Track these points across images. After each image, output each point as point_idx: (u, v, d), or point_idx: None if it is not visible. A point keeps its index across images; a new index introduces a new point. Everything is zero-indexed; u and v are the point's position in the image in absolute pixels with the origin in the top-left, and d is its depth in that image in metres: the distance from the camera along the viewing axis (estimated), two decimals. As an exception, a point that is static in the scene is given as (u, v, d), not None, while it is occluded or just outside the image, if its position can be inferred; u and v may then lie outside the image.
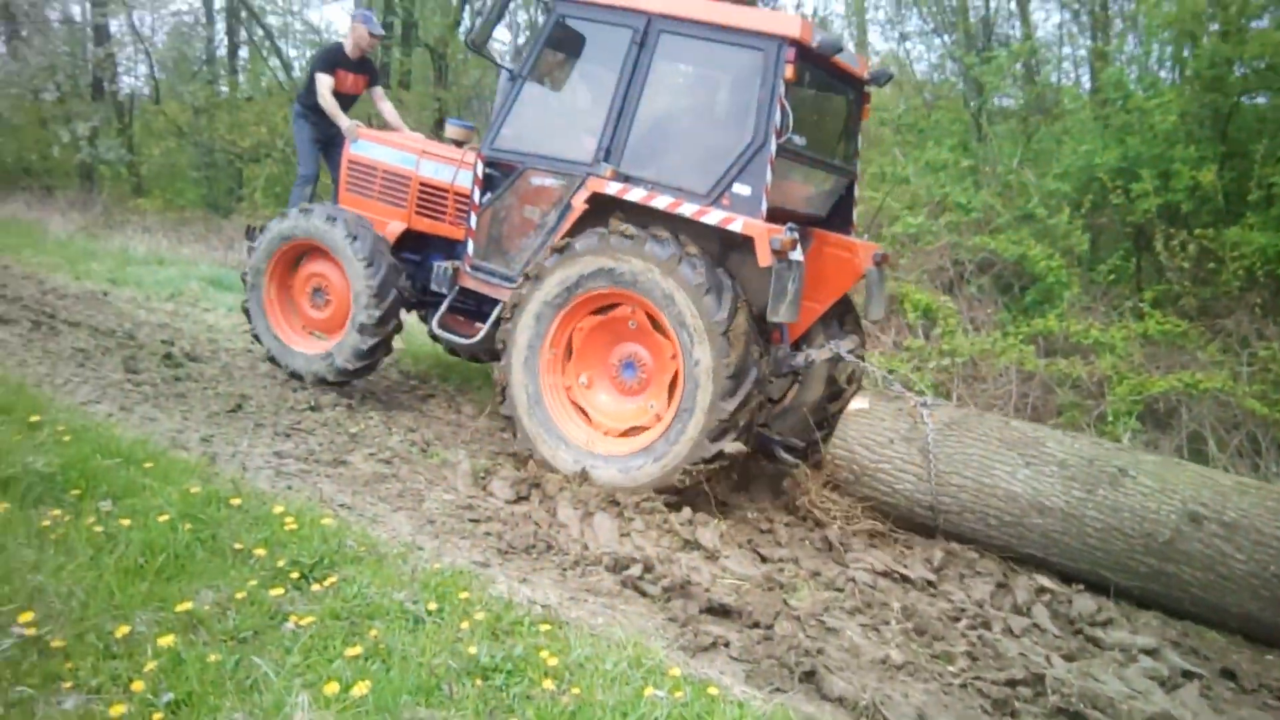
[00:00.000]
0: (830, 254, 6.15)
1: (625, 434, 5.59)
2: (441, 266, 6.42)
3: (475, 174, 6.13)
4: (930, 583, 4.66)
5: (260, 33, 17.90)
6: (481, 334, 6.19)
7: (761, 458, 6.24)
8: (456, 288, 6.39)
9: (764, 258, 5.02)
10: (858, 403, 5.68)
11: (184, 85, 19.30)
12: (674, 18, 5.51)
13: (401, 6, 17.17)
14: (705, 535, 4.78)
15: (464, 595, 3.42)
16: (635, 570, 4.16)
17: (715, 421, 5.07)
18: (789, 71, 5.15)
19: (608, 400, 5.72)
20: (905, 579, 4.65)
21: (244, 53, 20.38)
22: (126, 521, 3.68)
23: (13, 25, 19.62)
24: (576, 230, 5.54)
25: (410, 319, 7.27)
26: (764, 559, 4.70)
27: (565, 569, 4.23)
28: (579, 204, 5.58)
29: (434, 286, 6.48)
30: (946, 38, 14.12)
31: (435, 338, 6.78)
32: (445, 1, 17.82)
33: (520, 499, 5.16)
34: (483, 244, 6.21)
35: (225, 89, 20.10)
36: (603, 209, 5.50)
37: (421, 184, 6.76)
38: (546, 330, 5.55)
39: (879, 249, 6.22)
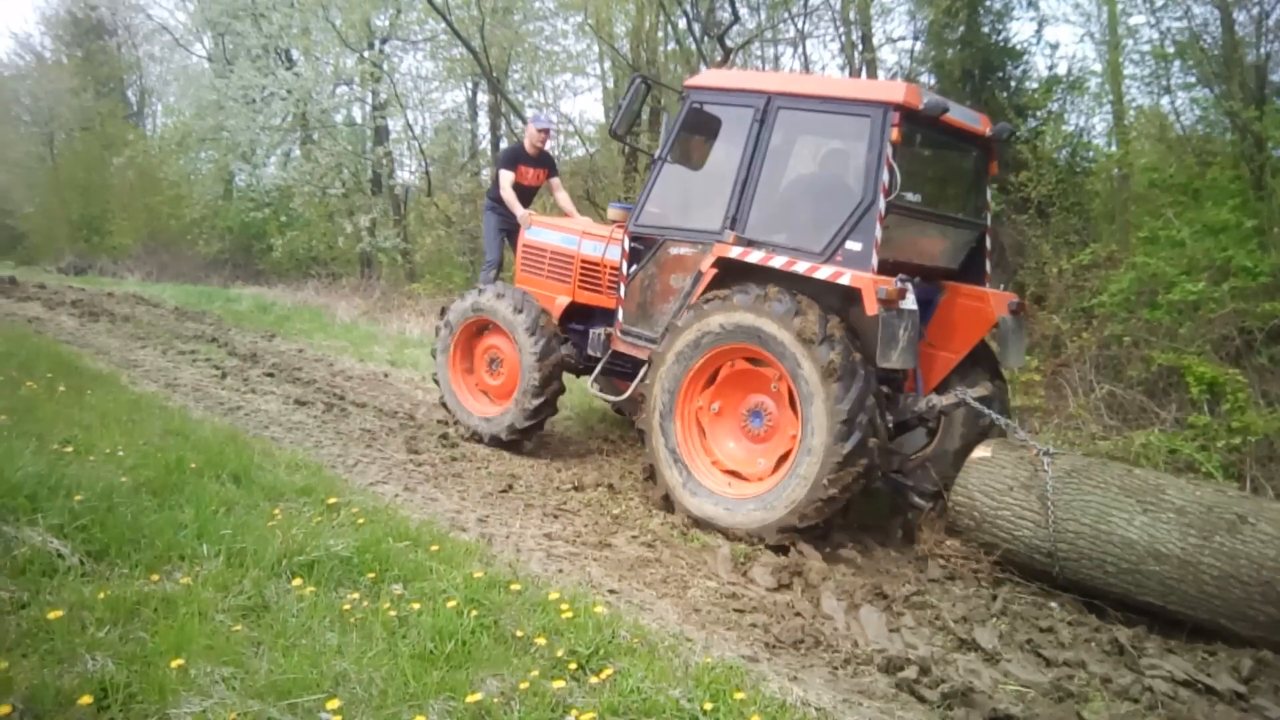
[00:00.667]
0: (962, 304, 6.53)
1: (750, 478, 6.07)
2: (596, 333, 7.29)
3: (623, 248, 6.85)
4: (1240, 695, 4.20)
5: (520, 125, 19.03)
6: (628, 392, 6.83)
7: (897, 502, 6.62)
8: (609, 351, 7.09)
9: (870, 307, 5.39)
10: (980, 451, 5.87)
11: (451, 177, 20.77)
12: (790, 94, 6.15)
13: (652, 96, 17.85)
14: (983, 634, 4.53)
15: (739, 695, 3.38)
16: (910, 672, 3.99)
17: (832, 463, 5.44)
18: (895, 134, 5.56)
19: (736, 447, 6.21)
20: (1210, 690, 4.22)
21: (504, 144, 21.74)
22: (417, 606, 3.89)
23: (306, 130, 21.85)
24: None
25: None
26: (1048, 662, 4.39)
27: (835, 667, 4.12)
28: (707, 269, 6.15)
29: (590, 351, 7.33)
30: (1215, 89, 13.18)
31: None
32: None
33: (782, 587, 5.10)
34: (631, 311, 6.88)
35: (488, 179, 21.49)
36: (734, 272, 6.04)
37: (583, 261, 7.58)
38: (680, 385, 6.14)
39: (1014, 298, 6.52)
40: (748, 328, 5.77)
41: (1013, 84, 14.24)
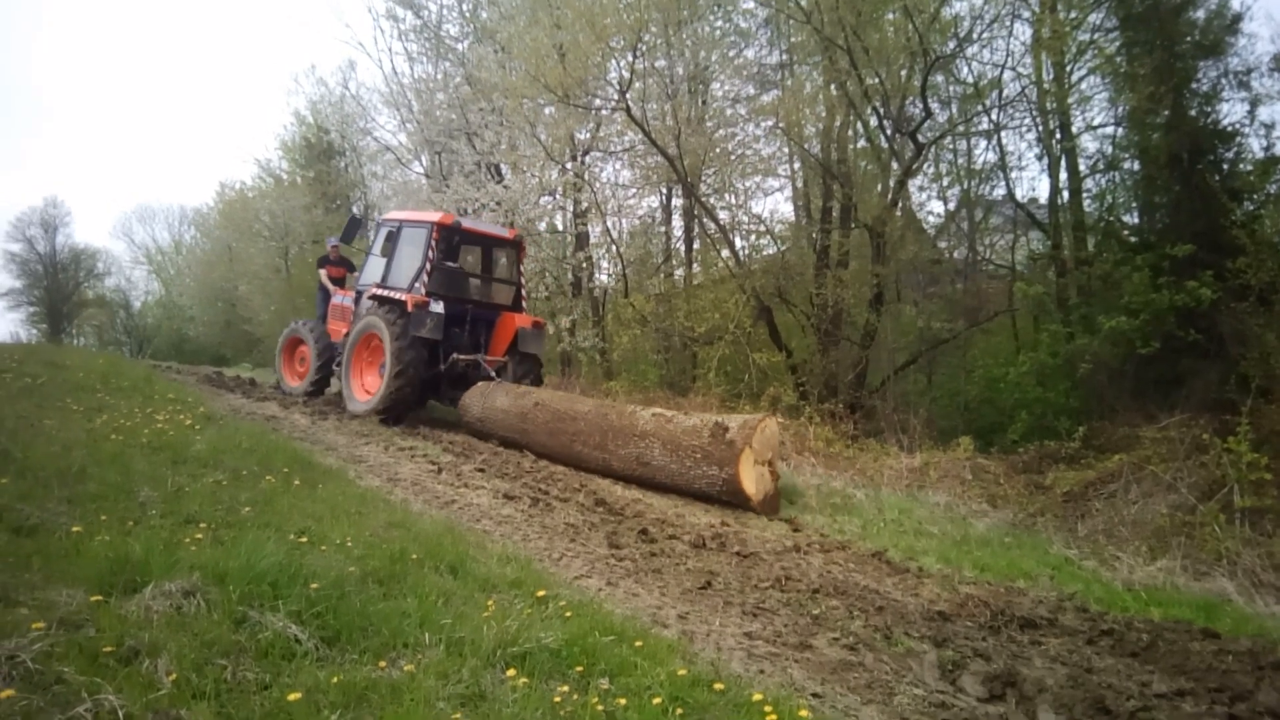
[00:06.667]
0: (504, 321, 14.18)
1: (373, 394, 13.27)
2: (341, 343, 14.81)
3: (353, 298, 14.85)
4: None
5: (713, 227, 19.48)
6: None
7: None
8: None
9: (409, 306, 12.64)
10: (481, 385, 13.04)
11: (647, 278, 21.37)
12: (404, 220, 14.07)
13: (841, 193, 17.98)
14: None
15: (949, 806, 3.30)
16: (1133, 791, 3.87)
17: (386, 392, 12.80)
18: (436, 236, 13.29)
19: (373, 379, 13.54)
20: None
21: (698, 244, 22.26)
22: (623, 701, 3.98)
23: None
24: None
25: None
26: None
27: (1052, 783, 3.95)
28: (370, 300, 13.72)
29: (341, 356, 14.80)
30: None
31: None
32: (885, 184, 18.39)
33: (994, 697, 4.90)
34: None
35: (681, 279, 22.00)
36: (383, 301, 13.31)
37: (352, 310, 14.66)
38: (352, 357, 13.70)
39: (535, 319, 14.21)
40: (372, 324, 13.16)
41: (1225, 167, 13.58)
